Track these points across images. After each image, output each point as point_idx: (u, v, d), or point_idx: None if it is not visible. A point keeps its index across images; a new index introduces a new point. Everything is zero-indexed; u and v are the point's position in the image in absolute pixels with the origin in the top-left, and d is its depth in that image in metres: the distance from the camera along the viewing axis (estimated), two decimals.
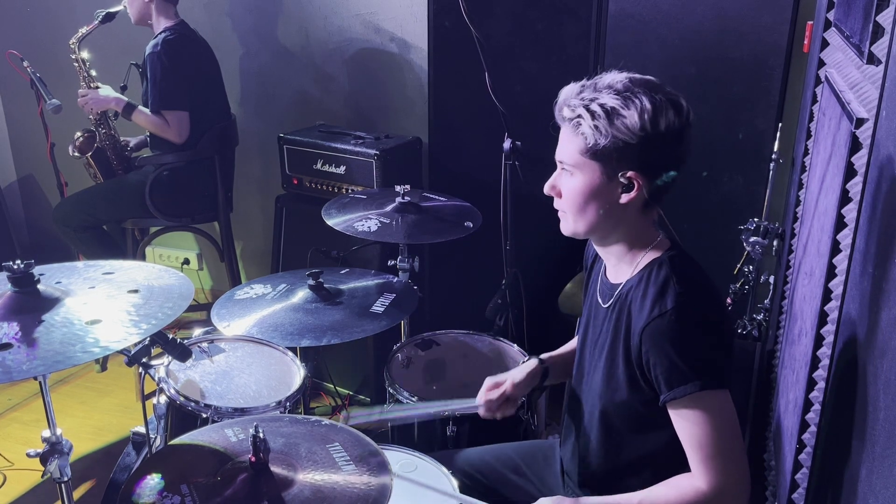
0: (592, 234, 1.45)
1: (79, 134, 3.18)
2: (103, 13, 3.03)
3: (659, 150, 1.33)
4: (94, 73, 3.12)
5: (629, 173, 1.34)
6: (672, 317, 1.31)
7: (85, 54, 3.10)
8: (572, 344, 1.81)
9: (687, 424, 1.34)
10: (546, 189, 1.45)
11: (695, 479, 1.35)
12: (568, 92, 1.37)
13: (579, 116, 1.33)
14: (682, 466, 1.38)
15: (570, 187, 1.40)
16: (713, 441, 1.32)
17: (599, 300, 1.52)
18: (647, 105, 1.30)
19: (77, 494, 1.62)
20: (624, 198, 1.36)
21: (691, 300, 1.33)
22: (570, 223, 1.43)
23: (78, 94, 3.11)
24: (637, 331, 1.35)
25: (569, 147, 1.37)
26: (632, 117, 1.29)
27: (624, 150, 1.31)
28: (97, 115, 3.14)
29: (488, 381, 1.73)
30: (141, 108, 3.05)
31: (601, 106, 1.31)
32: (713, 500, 1.34)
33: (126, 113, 3.06)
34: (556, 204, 1.45)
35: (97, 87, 3.11)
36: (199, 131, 3.10)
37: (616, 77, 1.35)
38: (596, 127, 1.31)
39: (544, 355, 1.77)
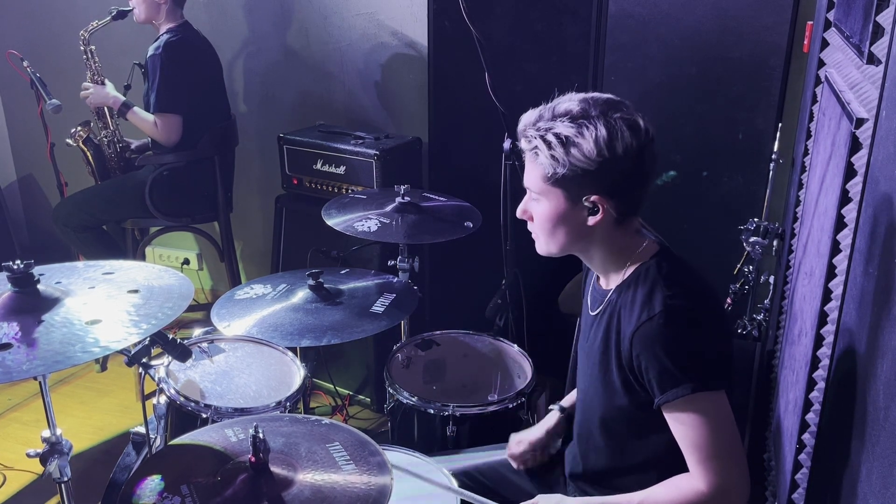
0: (567, 253, 1.46)
1: (79, 126, 3.18)
2: (116, 10, 3.05)
3: (619, 172, 1.33)
4: (100, 66, 3.13)
5: (592, 197, 1.35)
6: (660, 320, 1.31)
7: (94, 47, 3.11)
8: None
9: (682, 427, 1.34)
10: (518, 214, 1.47)
11: (694, 480, 1.35)
12: (526, 120, 1.38)
13: (535, 147, 1.35)
14: (684, 467, 1.38)
15: (538, 213, 1.42)
16: (710, 442, 1.32)
17: (589, 307, 1.53)
18: (603, 130, 1.30)
19: (77, 494, 1.62)
20: (591, 220, 1.37)
21: (679, 303, 1.33)
22: (543, 245, 1.45)
23: (82, 86, 3.12)
24: (627, 336, 1.35)
25: (532, 175, 1.39)
26: (587, 145, 1.30)
27: (583, 176, 1.32)
28: (96, 109, 3.16)
29: (513, 438, 1.76)
30: (136, 108, 3.06)
31: (556, 136, 1.32)
32: (713, 500, 1.34)
33: (121, 112, 3.07)
34: (529, 227, 1.47)
35: (103, 83, 3.12)
36: (198, 132, 3.10)
37: (572, 101, 1.35)
38: (553, 157, 1.32)
39: (564, 402, 1.79)
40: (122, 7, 3.06)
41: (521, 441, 1.75)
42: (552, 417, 1.76)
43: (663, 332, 1.31)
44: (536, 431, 1.75)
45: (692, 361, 1.32)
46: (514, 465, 1.75)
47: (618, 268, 1.44)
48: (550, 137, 1.32)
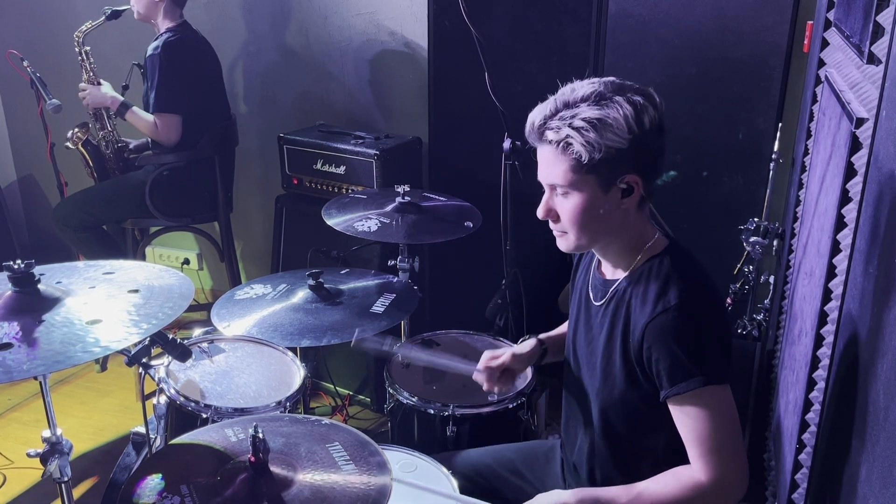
0: (596, 245, 1.45)
1: (76, 128, 3.18)
2: (110, 10, 3.04)
3: (649, 146, 1.34)
4: (96, 67, 3.13)
5: (627, 177, 1.34)
6: (675, 313, 1.32)
7: (88, 48, 3.11)
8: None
9: (688, 419, 1.35)
10: (541, 214, 1.43)
11: (694, 472, 1.36)
12: (542, 115, 1.35)
13: (567, 136, 1.31)
14: (682, 461, 1.39)
15: (568, 207, 1.38)
16: (713, 436, 1.33)
17: (592, 297, 1.52)
18: (628, 107, 1.30)
19: (77, 494, 1.62)
20: (625, 202, 1.37)
21: (694, 296, 1.34)
22: (573, 240, 1.42)
23: (79, 87, 3.11)
24: (639, 327, 1.36)
25: (558, 169, 1.35)
26: (618, 123, 1.29)
27: (617, 156, 1.31)
28: (93, 111, 3.15)
29: (487, 353, 1.73)
30: (134, 108, 3.06)
31: (585, 120, 1.30)
32: (712, 492, 1.35)
33: (120, 112, 3.07)
34: (554, 226, 1.44)
35: (99, 84, 3.11)
36: (198, 132, 3.10)
37: (583, 87, 1.34)
38: (587, 142, 1.30)
39: (542, 335, 1.78)
40: (116, 7, 3.06)
41: (496, 356, 1.72)
42: (528, 344, 1.74)
43: (678, 324, 1.31)
44: (517, 347, 1.73)
45: (704, 355, 1.32)
46: (483, 383, 1.72)
47: (630, 258, 1.44)
48: (580, 123, 1.30)
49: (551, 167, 1.36)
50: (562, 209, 1.40)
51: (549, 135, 1.34)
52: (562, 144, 1.33)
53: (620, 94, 1.31)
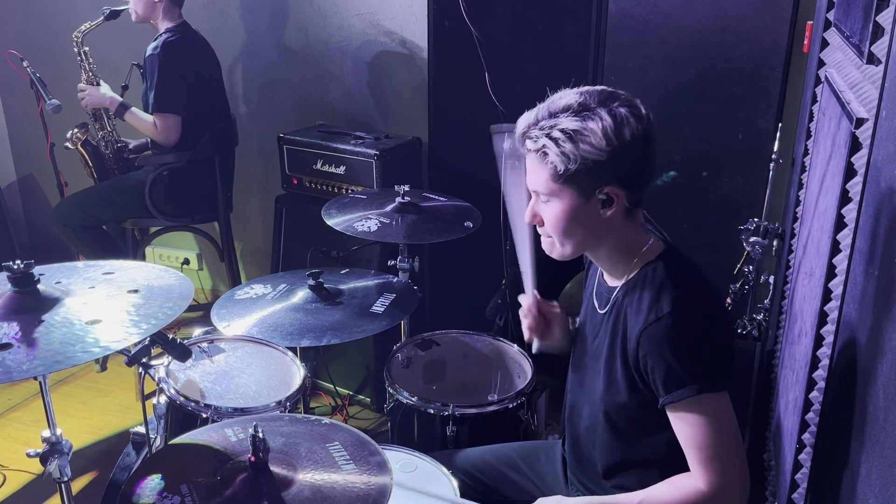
0: (581, 252, 1.45)
1: (76, 128, 3.18)
2: (109, 10, 3.04)
3: (629, 159, 1.32)
4: (95, 67, 3.13)
5: (606, 189, 1.34)
6: (669, 321, 1.31)
7: (88, 48, 3.11)
8: None
9: (686, 427, 1.34)
10: (527, 219, 1.44)
11: (694, 480, 1.36)
12: (525, 122, 1.36)
13: (544, 146, 1.32)
14: (686, 465, 1.38)
15: (550, 214, 1.39)
16: (712, 443, 1.33)
17: (596, 305, 1.52)
18: (608, 119, 1.29)
19: (77, 494, 1.62)
20: (606, 212, 1.36)
21: (688, 303, 1.33)
22: (558, 247, 1.43)
23: (78, 87, 3.11)
24: (634, 335, 1.36)
25: (539, 177, 1.36)
26: (595, 135, 1.28)
27: (594, 168, 1.31)
28: (93, 111, 3.16)
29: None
30: (133, 109, 3.06)
31: (562, 131, 1.30)
32: (713, 500, 1.34)
33: (119, 113, 3.07)
34: (540, 230, 1.45)
35: (98, 84, 3.11)
36: (197, 132, 3.10)
37: (569, 96, 1.34)
38: (563, 153, 1.30)
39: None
40: (115, 7, 3.06)
41: (555, 304, 1.67)
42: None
43: (671, 332, 1.31)
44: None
45: (699, 362, 1.32)
46: (526, 317, 1.67)
47: (625, 265, 1.44)
48: (557, 134, 1.30)
49: (534, 174, 1.38)
50: (545, 215, 1.41)
51: (529, 143, 1.35)
52: (539, 153, 1.33)
53: (604, 106, 1.30)
